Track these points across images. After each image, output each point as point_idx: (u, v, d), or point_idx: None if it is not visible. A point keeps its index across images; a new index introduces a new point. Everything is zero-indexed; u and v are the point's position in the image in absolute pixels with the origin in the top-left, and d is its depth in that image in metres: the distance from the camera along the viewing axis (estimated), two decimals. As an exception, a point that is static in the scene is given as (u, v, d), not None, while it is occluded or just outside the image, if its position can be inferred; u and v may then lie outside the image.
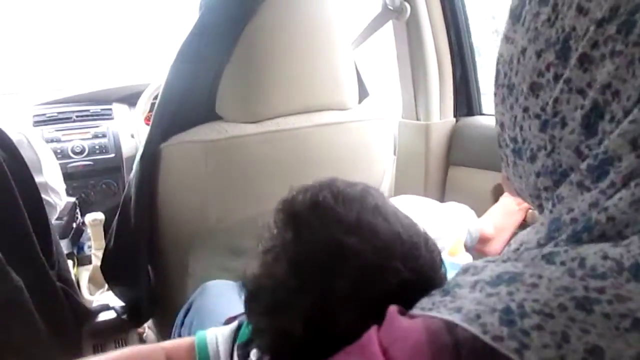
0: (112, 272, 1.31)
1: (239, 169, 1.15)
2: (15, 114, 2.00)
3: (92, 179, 2.01)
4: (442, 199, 1.60)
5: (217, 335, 0.68)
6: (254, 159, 1.16)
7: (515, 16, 0.42)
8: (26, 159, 1.01)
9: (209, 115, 1.16)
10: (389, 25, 1.57)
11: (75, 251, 1.79)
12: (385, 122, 1.38)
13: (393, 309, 0.41)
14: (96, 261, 1.69)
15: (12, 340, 0.94)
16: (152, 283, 1.32)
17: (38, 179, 1.07)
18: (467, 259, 1.08)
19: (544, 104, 0.39)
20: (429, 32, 1.53)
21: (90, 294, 1.64)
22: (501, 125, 0.45)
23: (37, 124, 2.00)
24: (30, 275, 0.95)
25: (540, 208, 0.44)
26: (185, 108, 1.14)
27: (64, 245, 1.44)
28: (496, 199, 1.41)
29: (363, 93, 1.37)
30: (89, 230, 1.75)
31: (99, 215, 1.73)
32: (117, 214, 1.24)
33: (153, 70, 2.32)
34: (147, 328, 1.52)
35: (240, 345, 0.63)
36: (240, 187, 1.17)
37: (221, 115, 1.16)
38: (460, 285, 0.39)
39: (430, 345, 0.35)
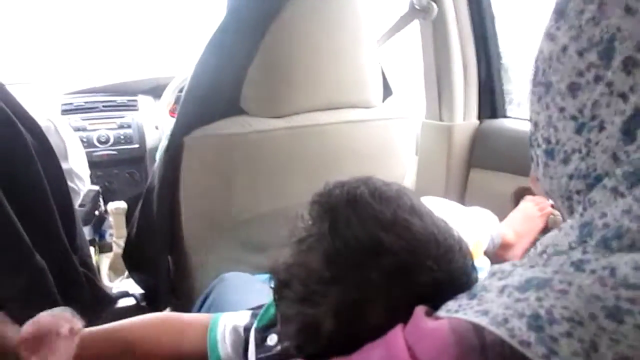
0: (133, 260, 1.33)
1: (262, 163, 1.16)
2: (44, 101, 2.03)
3: (115, 168, 2.04)
4: (462, 201, 1.59)
5: (229, 322, 0.69)
6: (277, 153, 1.16)
7: (560, 12, 0.41)
8: (53, 145, 1.03)
9: (234, 109, 1.17)
10: (415, 24, 1.56)
11: (96, 238, 1.82)
12: (408, 121, 1.38)
13: (420, 309, 0.41)
14: (117, 249, 1.72)
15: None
16: (172, 272, 1.34)
17: (64, 165, 1.09)
18: (485, 263, 1.07)
19: (582, 106, 0.38)
20: (455, 33, 1.52)
21: (110, 281, 1.66)
22: (535, 124, 0.44)
23: (64, 112, 2.04)
24: (54, 259, 0.97)
25: (570, 210, 0.43)
26: (210, 102, 1.15)
27: (86, 232, 1.46)
28: (517, 203, 1.39)
29: (387, 92, 1.37)
30: (110, 219, 1.77)
31: (122, 204, 1.75)
32: (140, 203, 1.25)
33: (178, 63, 2.34)
34: (165, 316, 1.53)
35: (258, 329, 0.64)
36: (262, 182, 1.18)
37: (245, 110, 1.17)
38: (488, 289, 0.38)
39: (456, 346, 0.35)
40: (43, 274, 0.94)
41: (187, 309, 1.09)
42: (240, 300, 0.82)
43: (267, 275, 0.86)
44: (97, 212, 1.68)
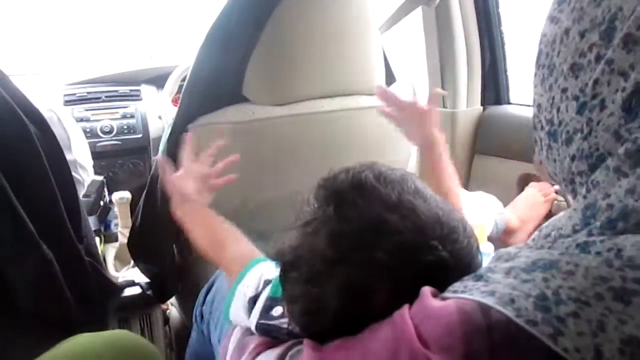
0: (138, 250, 1.33)
1: (265, 150, 1.16)
2: (46, 92, 2.03)
3: (119, 158, 2.04)
4: (466, 187, 1.59)
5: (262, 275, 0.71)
6: (280, 141, 1.16)
7: None
8: (56, 136, 1.03)
9: (236, 97, 1.17)
10: (418, 11, 1.55)
11: (102, 228, 1.83)
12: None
13: (426, 289, 0.42)
14: (122, 239, 1.73)
15: (41, 311, 0.97)
16: (177, 261, 1.34)
17: (68, 156, 1.09)
18: (488, 248, 1.07)
19: (583, 85, 0.38)
20: (458, 19, 1.51)
21: (116, 271, 1.67)
22: (538, 106, 0.44)
23: (67, 103, 2.03)
24: (60, 249, 0.97)
25: (574, 193, 0.43)
26: (212, 90, 1.15)
27: (91, 222, 1.47)
28: (521, 189, 1.39)
29: (390, 78, 1.36)
30: (115, 209, 1.78)
31: (126, 194, 1.76)
32: (144, 193, 1.26)
33: (181, 52, 2.34)
34: (171, 304, 1.55)
35: (269, 297, 0.65)
36: (266, 169, 1.18)
37: (248, 98, 1.17)
38: (494, 270, 0.39)
39: (462, 325, 0.36)
40: (50, 264, 0.95)
41: (192, 298, 1.10)
42: (233, 313, 0.83)
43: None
44: (101, 203, 1.68)
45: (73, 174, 1.11)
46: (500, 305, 0.34)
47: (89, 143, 1.48)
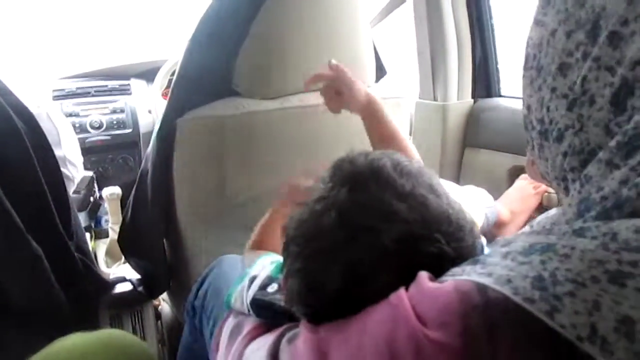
0: (129, 245, 1.33)
1: (255, 144, 1.15)
2: (35, 88, 2.01)
3: (109, 153, 2.03)
4: (457, 180, 1.59)
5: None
6: (271, 134, 1.16)
7: None
8: (45, 132, 1.03)
9: (226, 90, 1.16)
10: (409, 3, 1.55)
11: (92, 224, 1.81)
12: (402, 101, 1.38)
13: (423, 273, 0.42)
14: (113, 235, 1.72)
15: (31, 308, 0.96)
16: (168, 256, 1.34)
17: (57, 152, 1.08)
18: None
19: (572, 83, 0.39)
20: (449, 12, 1.51)
21: (107, 267, 1.66)
22: (528, 107, 0.45)
23: (56, 98, 2.02)
24: (50, 245, 0.97)
25: (566, 191, 0.43)
26: (202, 83, 1.14)
27: (82, 219, 1.46)
28: (512, 181, 1.40)
29: (381, 72, 1.36)
30: (106, 204, 1.77)
31: (116, 190, 1.75)
32: (134, 188, 1.25)
33: (171, 46, 2.32)
34: (162, 300, 1.54)
35: (268, 276, 0.65)
36: (256, 163, 1.17)
37: (238, 91, 1.16)
38: (491, 255, 0.39)
39: (460, 304, 0.36)
40: (39, 261, 0.94)
41: (185, 292, 1.10)
42: (236, 294, 0.83)
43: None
44: (92, 198, 1.67)
45: (62, 170, 1.11)
46: (497, 284, 0.34)
47: (79, 138, 1.48)
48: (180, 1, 2.64)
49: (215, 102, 1.14)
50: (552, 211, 0.44)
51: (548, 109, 0.42)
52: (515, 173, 1.41)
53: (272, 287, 0.62)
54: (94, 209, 1.73)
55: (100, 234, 1.86)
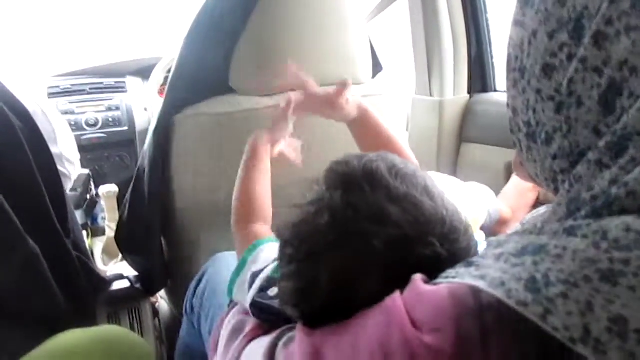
0: (126, 243, 1.33)
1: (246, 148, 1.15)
2: (30, 85, 2.00)
3: (105, 151, 2.03)
4: (454, 175, 1.59)
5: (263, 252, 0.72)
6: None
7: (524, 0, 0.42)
8: (41, 130, 1.02)
9: (222, 88, 1.16)
10: (405, -1, 1.55)
11: (89, 222, 1.81)
12: (399, 97, 1.38)
13: (417, 276, 0.42)
14: (110, 232, 1.72)
15: (28, 306, 0.96)
16: (165, 253, 1.34)
17: (53, 150, 1.08)
18: (480, 236, 1.08)
19: (558, 85, 0.38)
20: (444, 6, 1.51)
21: (104, 265, 1.66)
22: (513, 110, 0.45)
23: (51, 95, 2.01)
24: (47, 243, 0.97)
25: (556, 191, 0.43)
26: (198, 81, 1.14)
27: (78, 216, 1.45)
28: (508, 176, 1.40)
29: (377, 68, 1.36)
30: (102, 202, 1.76)
31: (113, 188, 1.74)
32: (131, 186, 1.25)
33: (166, 43, 2.32)
34: (160, 298, 1.54)
35: (268, 277, 0.65)
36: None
37: (234, 88, 1.16)
38: (484, 257, 0.39)
39: (454, 308, 0.37)
40: (36, 259, 0.94)
41: (181, 291, 1.10)
42: (237, 287, 0.83)
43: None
44: (88, 196, 1.67)
45: (59, 167, 1.10)
46: (491, 287, 0.34)
47: (75, 136, 1.47)
48: (175, -2, 2.63)
49: (211, 99, 1.14)
50: (542, 209, 0.44)
51: (534, 111, 0.41)
52: (511, 167, 1.41)
53: (273, 291, 0.62)
54: (90, 207, 1.73)
55: (97, 231, 1.85)
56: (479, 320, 0.36)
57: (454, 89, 1.59)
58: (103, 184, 1.77)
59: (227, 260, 1.03)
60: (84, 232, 1.39)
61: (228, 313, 0.74)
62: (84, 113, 2.00)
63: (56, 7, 2.50)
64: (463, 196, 1.18)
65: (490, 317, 0.36)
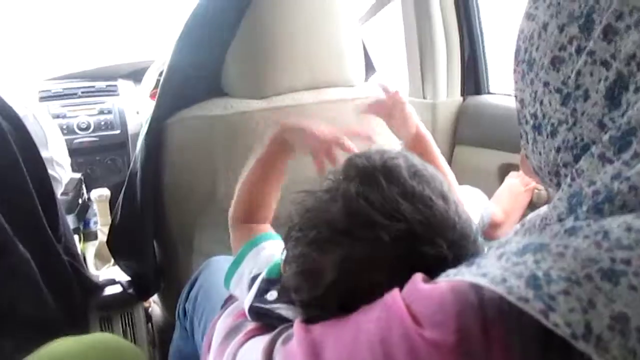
0: (118, 247, 1.32)
1: (244, 144, 1.15)
2: (21, 89, 1.99)
3: (97, 155, 2.01)
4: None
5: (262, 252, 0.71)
6: (260, 134, 1.15)
7: None
8: (32, 134, 1.01)
9: (215, 91, 1.16)
10: (397, 1, 1.55)
11: (81, 227, 1.80)
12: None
13: (417, 275, 0.42)
14: (102, 237, 1.71)
15: (19, 311, 0.95)
16: (158, 258, 1.33)
17: (44, 154, 1.07)
18: None
19: (566, 78, 0.39)
20: (437, 9, 1.52)
21: (97, 269, 1.65)
22: (521, 101, 0.45)
23: (42, 99, 2.00)
24: (37, 248, 0.96)
25: (558, 186, 0.43)
26: (190, 84, 1.14)
27: (70, 221, 1.44)
28: (502, 179, 1.40)
29: (370, 70, 1.36)
30: (94, 206, 1.75)
31: (105, 191, 1.73)
32: (123, 190, 1.24)
33: (158, 46, 2.31)
34: (153, 302, 1.53)
35: (265, 279, 0.65)
36: (245, 163, 1.16)
37: (226, 91, 1.16)
38: (486, 257, 0.39)
39: (455, 303, 0.36)
40: (27, 264, 0.93)
41: (175, 295, 1.09)
42: (234, 281, 0.82)
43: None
44: (80, 200, 1.66)
45: (50, 172, 1.09)
46: (492, 284, 0.34)
47: (66, 140, 1.46)
48: (167, 1, 2.62)
49: (204, 102, 1.14)
50: (544, 208, 0.44)
51: (541, 103, 0.42)
52: (505, 170, 1.42)
53: (271, 295, 0.62)
54: (82, 211, 1.72)
55: (89, 236, 1.84)
56: (480, 316, 0.36)
57: (447, 91, 1.59)
58: (95, 187, 1.77)
59: (221, 264, 1.03)
60: (76, 237, 1.38)
61: (218, 317, 0.74)
62: (75, 117, 1.98)
63: (47, 11, 2.49)
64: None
65: (492, 313, 0.35)
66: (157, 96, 1.15)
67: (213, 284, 0.97)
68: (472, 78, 1.60)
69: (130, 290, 1.32)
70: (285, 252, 0.56)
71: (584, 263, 0.32)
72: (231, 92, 1.15)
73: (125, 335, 1.26)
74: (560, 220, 0.39)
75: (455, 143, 1.61)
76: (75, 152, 1.85)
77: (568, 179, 0.40)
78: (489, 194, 1.35)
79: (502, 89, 1.57)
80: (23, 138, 0.98)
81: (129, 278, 1.34)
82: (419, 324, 0.37)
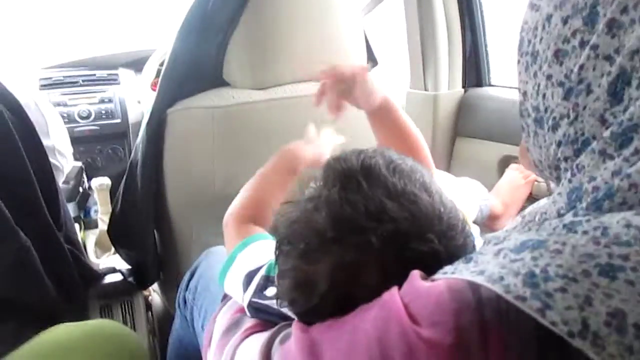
0: (118, 236, 1.32)
1: (245, 135, 1.15)
2: (21, 77, 1.99)
3: (98, 144, 2.01)
4: (448, 169, 1.59)
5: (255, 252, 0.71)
6: (261, 125, 1.15)
7: None
8: (33, 122, 1.01)
9: (216, 81, 1.16)
10: (399, -8, 1.54)
11: (81, 215, 1.80)
12: (393, 91, 1.37)
13: (415, 272, 0.42)
14: (102, 225, 1.71)
15: (20, 299, 0.95)
16: (158, 247, 1.33)
17: (45, 142, 1.07)
18: (474, 231, 1.08)
19: (569, 71, 0.38)
20: (439, 1, 1.51)
21: (97, 257, 1.66)
22: (524, 94, 0.45)
23: (43, 87, 1.99)
24: (39, 236, 0.96)
25: (558, 180, 0.43)
26: (192, 74, 1.13)
27: (71, 209, 1.45)
28: (502, 171, 1.40)
29: (372, 62, 1.36)
30: (95, 195, 1.76)
31: (106, 180, 1.73)
32: (124, 179, 1.24)
33: (159, 35, 2.30)
34: (153, 291, 1.54)
35: (264, 276, 0.65)
36: (246, 153, 1.17)
37: (228, 82, 1.15)
38: (483, 253, 0.39)
39: (452, 302, 0.36)
40: (28, 252, 0.93)
41: (174, 284, 1.10)
42: (228, 280, 0.83)
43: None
44: (81, 189, 1.66)
45: (51, 160, 1.09)
46: (489, 282, 0.34)
47: (67, 128, 1.46)
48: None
49: (205, 92, 1.14)
50: (543, 201, 0.44)
51: (544, 96, 0.41)
52: (506, 162, 1.42)
53: (270, 291, 0.62)
54: (83, 200, 1.72)
55: (89, 224, 1.84)
56: (478, 314, 0.36)
57: (449, 83, 1.59)
58: (96, 176, 1.76)
59: (220, 254, 1.03)
60: (77, 225, 1.38)
61: (218, 311, 0.74)
62: (76, 105, 1.98)
63: (49, -2, 2.48)
64: (454, 191, 1.18)
65: (489, 312, 0.35)
66: (158, 86, 1.15)
67: (213, 274, 0.97)
68: (474, 70, 1.60)
69: (131, 279, 1.33)
70: (276, 266, 0.55)
71: (582, 259, 0.32)
72: (232, 83, 1.15)
73: (125, 324, 1.27)
74: (559, 215, 0.39)
75: (456, 135, 1.61)
76: (76, 140, 1.84)
77: (568, 174, 0.39)
78: (490, 186, 1.36)
79: (503, 81, 1.57)
80: (24, 126, 0.98)
81: (129, 267, 1.35)
82: (417, 322, 0.37)
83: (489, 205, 1.27)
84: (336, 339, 0.43)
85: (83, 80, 2.06)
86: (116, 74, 2.14)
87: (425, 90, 1.61)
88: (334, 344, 0.43)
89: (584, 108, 0.38)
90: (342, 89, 0.91)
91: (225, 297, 0.79)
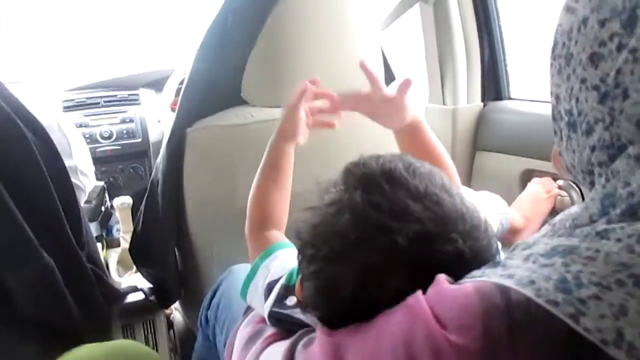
0: (140, 255, 1.33)
1: (264, 153, 1.15)
2: (45, 99, 2.03)
3: (120, 163, 2.04)
4: (468, 184, 1.58)
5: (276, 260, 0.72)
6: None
7: None
8: (56, 143, 1.03)
9: (235, 99, 1.16)
10: (416, 8, 1.54)
11: (104, 234, 1.82)
12: (411, 106, 1.37)
13: (441, 276, 0.42)
14: (124, 244, 1.72)
15: (43, 319, 0.96)
16: (179, 266, 1.34)
17: (68, 163, 1.09)
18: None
19: (604, 75, 0.38)
20: (456, 15, 1.51)
21: (119, 276, 1.67)
22: (556, 97, 0.44)
23: (66, 109, 2.03)
24: (61, 256, 0.97)
25: (592, 185, 0.42)
26: (211, 93, 1.14)
27: (93, 228, 1.46)
28: (524, 185, 1.39)
29: (389, 77, 1.36)
30: (117, 214, 1.77)
31: (127, 199, 1.75)
32: (145, 197, 1.25)
33: (179, 55, 2.33)
34: (174, 309, 1.54)
35: (284, 285, 0.65)
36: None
37: (247, 100, 1.16)
38: (512, 258, 0.39)
39: (480, 305, 0.36)
40: (51, 271, 0.94)
41: (196, 303, 1.09)
42: (250, 292, 0.82)
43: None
44: (103, 208, 1.68)
45: (74, 180, 1.11)
46: (519, 286, 0.34)
47: (89, 149, 1.48)
48: (187, 10, 2.65)
49: (224, 111, 1.14)
50: (574, 208, 0.43)
51: (577, 100, 0.41)
52: (527, 176, 1.40)
53: (290, 300, 0.62)
54: (105, 219, 1.74)
55: (111, 243, 1.86)
56: (507, 318, 0.35)
57: (467, 97, 1.58)
58: (117, 195, 1.78)
59: (242, 272, 1.02)
60: (99, 244, 1.40)
61: (240, 323, 0.74)
62: (98, 126, 2.01)
63: (69, 22, 2.53)
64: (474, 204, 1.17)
65: (519, 315, 0.34)
66: (178, 105, 1.16)
67: (234, 292, 0.97)
68: (493, 84, 1.59)
69: (152, 298, 1.33)
70: (299, 270, 0.55)
71: (616, 268, 0.31)
72: (251, 101, 1.15)
73: (147, 343, 1.27)
74: (592, 221, 0.38)
75: (476, 149, 1.59)
76: (98, 160, 1.88)
77: (602, 179, 0.39)
78: (511, 200, 1.34)
79: (523, 94, 1.56)
80: (47, 147, 1.00)
81: (150, 285, 1.36)
82: (444, 326, 0.37)
83: (509, 218, 1.25)
84: (361, 343, 0.43)
85: (105, 101, 2.10)
86: (137, 94, 2.17)
87: (444, 104, 1.60)
88: (359, 348, 0.42)
89: (620, 113, 0.37)
90: (365, 109, 0.93)
91: (247, 312, 0.79)
